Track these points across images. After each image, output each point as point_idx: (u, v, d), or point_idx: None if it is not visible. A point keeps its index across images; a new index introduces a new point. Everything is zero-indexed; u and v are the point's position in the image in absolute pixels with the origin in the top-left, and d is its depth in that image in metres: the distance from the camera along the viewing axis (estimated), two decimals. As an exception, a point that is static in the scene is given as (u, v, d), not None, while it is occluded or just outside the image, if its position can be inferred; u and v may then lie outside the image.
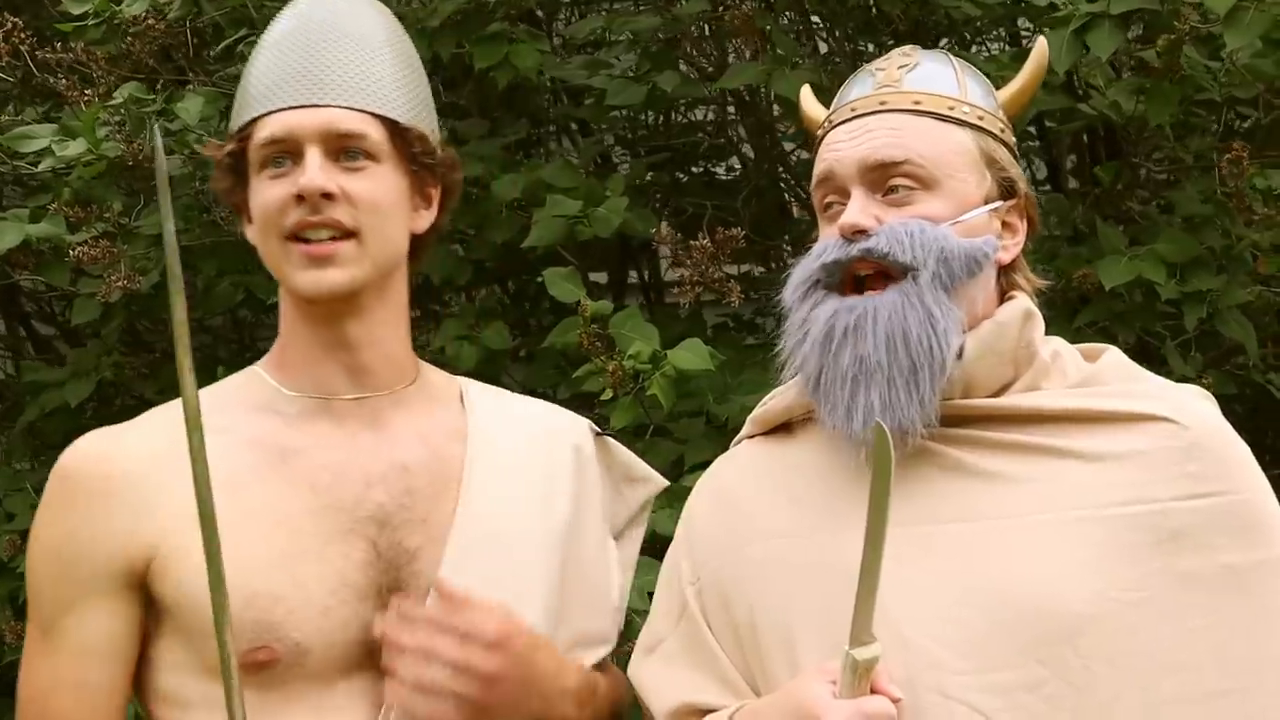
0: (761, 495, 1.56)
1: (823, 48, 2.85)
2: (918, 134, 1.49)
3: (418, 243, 1.60)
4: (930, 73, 1.54)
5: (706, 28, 2.84)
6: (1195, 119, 2.51)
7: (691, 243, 2.42)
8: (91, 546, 1.48)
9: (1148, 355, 2.51)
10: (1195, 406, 1.50)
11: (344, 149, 1.50)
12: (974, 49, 2.86)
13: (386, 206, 1.52)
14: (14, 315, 3.83)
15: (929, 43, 2.88)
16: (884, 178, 1.47)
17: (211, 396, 1.54)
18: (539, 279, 3.28)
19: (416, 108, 1.58)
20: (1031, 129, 3.00)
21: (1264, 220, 2.24)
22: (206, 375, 2.80)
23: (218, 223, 2.78)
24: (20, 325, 3.86)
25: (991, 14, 2.71)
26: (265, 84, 1.53)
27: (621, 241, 3.37)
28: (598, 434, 1.73)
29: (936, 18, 2.76)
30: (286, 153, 1.50)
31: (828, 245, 1.49)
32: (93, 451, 1.53)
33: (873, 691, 1.36)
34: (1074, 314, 2.47)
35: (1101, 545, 1.40)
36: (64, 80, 2.79)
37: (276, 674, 1.44)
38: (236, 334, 3.47)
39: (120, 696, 1.51)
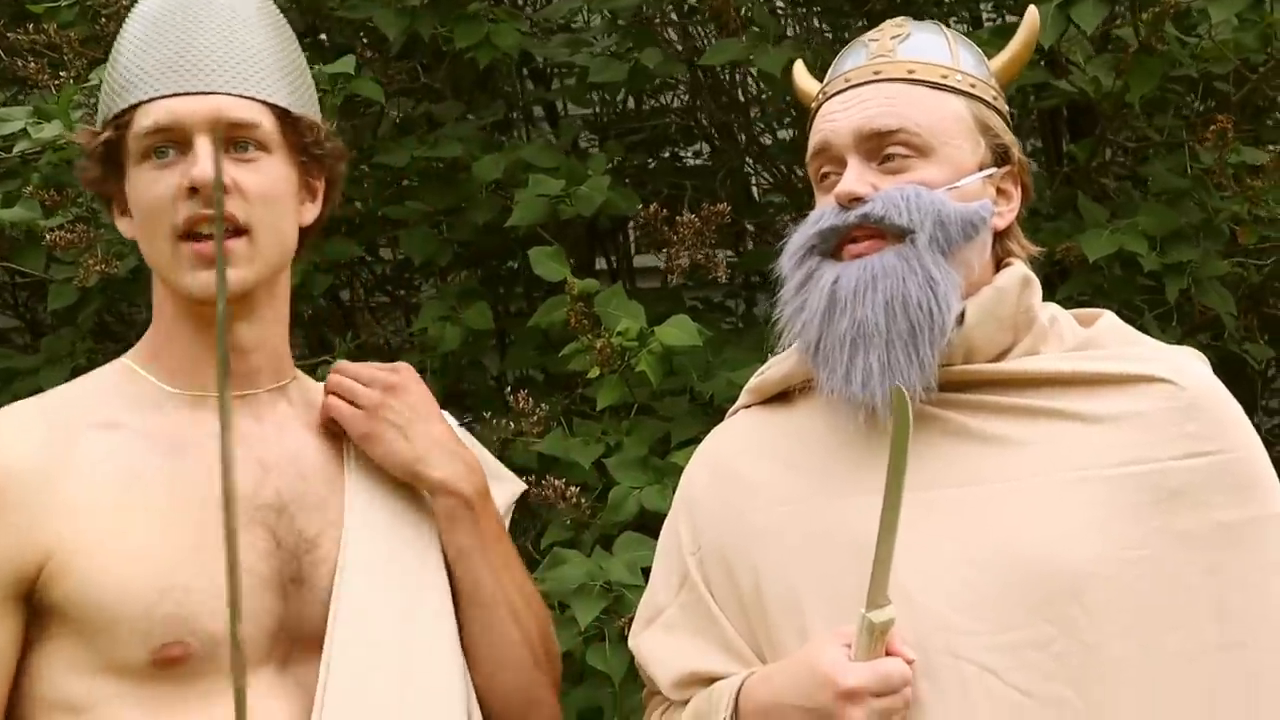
0: (762, 463, 1.57)
1: (793, 30, 2.86)
2: (912, 102, 1.50)
3: (302, 236, 1.53)
4: (923, 42, 1.55)
5: (684, 7, 2.85)
6: (1170, 95, 2.55)
7: (677, 219, 2.43)
8: None
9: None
10: (1192, 368, 1.52)
11: (234, 139, 1.43)
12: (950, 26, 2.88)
13: (278, 200, 1.46)
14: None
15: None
16: (879, 146, 1.49)
17: (85, 390, 1.48)
18: (510, 264, 3.31)
19: (304, 94, 1.51)
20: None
21: (1244, 191, 2.28)
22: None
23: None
24: (-19, 313, 3.80)
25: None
26: (144, 67, 1.43)
27: (590, 227, 3.39)
28: (460, 425, 1.69)
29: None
30: (172, 142, 1.41)
31: (824, 213, 1.50)
32: None
33: (887, 654, 1.38)
34: (1053, 288, 2.51)
35: (1105, 505, 1.42)
36: (32, 64, 2.75)
37: (188, 670, 1.37)
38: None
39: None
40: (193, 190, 1.39)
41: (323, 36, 3.00)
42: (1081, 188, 2.66)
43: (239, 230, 1.42)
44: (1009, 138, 1.56)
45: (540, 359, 2.90)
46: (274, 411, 1.51)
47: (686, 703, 1.54)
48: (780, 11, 2.87)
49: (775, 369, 1.62)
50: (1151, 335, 2.45)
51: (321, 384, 1.58)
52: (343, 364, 1.57)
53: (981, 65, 1.58)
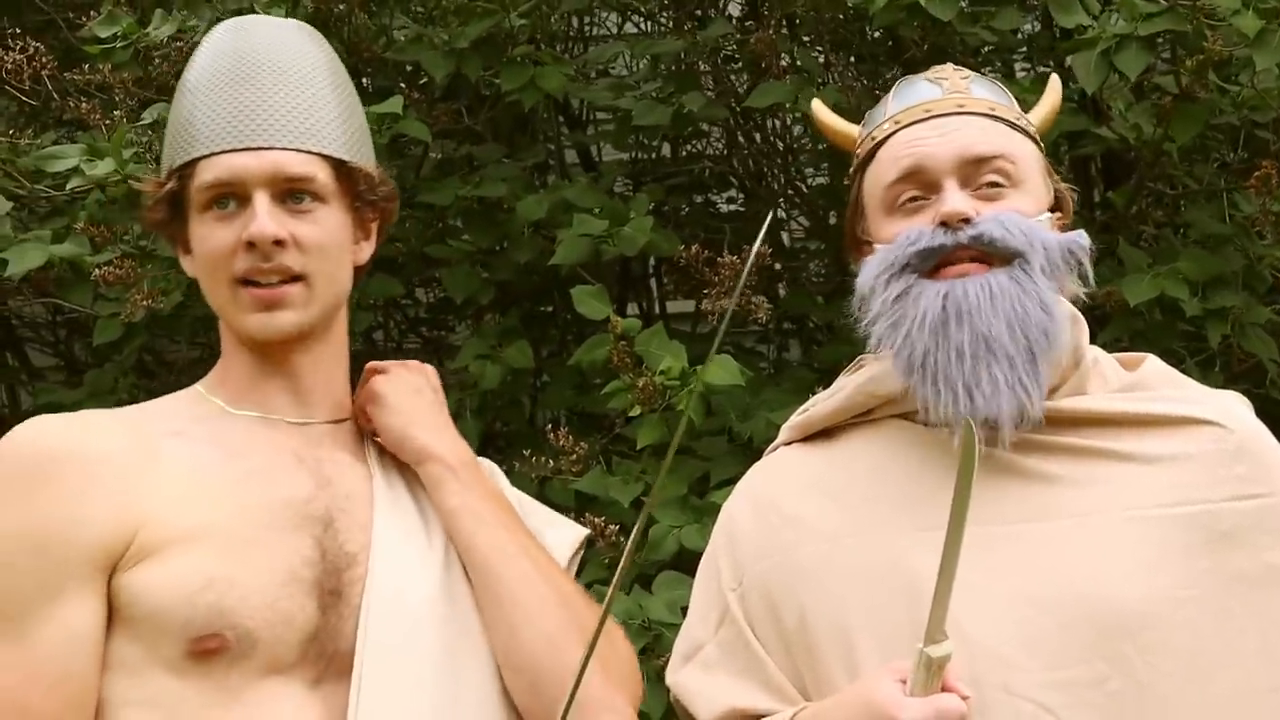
0: (807, 499, 1.57)
1: (833, 77, 2.89)
2: (1001, 135, 1.53)
3: (357, 271, 1.60)
4: (987, 88, 1.59)
5: (723, 54, 2.89)
6: (1211, 143, 2.56)
7: (718, 260, 2.45)
8: (76, 530, 1.40)
9: (1167, 373, 2.54)
10: (1237, 411, 1.54)
11: (291, 192, 1.50)
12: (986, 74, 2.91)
13: (333, 249, 1.53)
14: (7, 344, 3.80)
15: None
16: (978, 171, 1.50)
17: (157, 409, 1.55)
18: (547, 307, 3.34)
19: (358, 142, 1.57)
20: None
21: (1283, 240, 2.29)
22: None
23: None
24: (9, 353, 3.83)
25: (1005, 41, 2.77)
26: (204, 122, 1.50)
27: (623, 271, 3.42)
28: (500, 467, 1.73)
29: (951, 46, 2.81)
30: (232, 195, 1.49)
31: (921, 233, 1.48)
32: (62, 431, 1.46)
33: (943, 689, 1.37)
34: (1093, 333, 2.51)
35: (1157, 545, 1.43)
36: (85, 104, 2.80)
37: (221, 665, 1.39)
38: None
39: (96, 685, 1.41)
40: (250, 245, 1.47)
41: (364, 80, 3.04)
42: (1120, 234, 2.68)
43: (295, 277, 1.49)
44: (1063, 186, 1.60)
45: (576, 399, 2.92)
46: (330, 441, 1.56)
47: None
48: (823, 55, 2.90)
49: (822, 405, 1.63)
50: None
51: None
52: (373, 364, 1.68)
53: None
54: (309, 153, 1.50)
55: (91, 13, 2.91)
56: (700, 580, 1.64)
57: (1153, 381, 1.57)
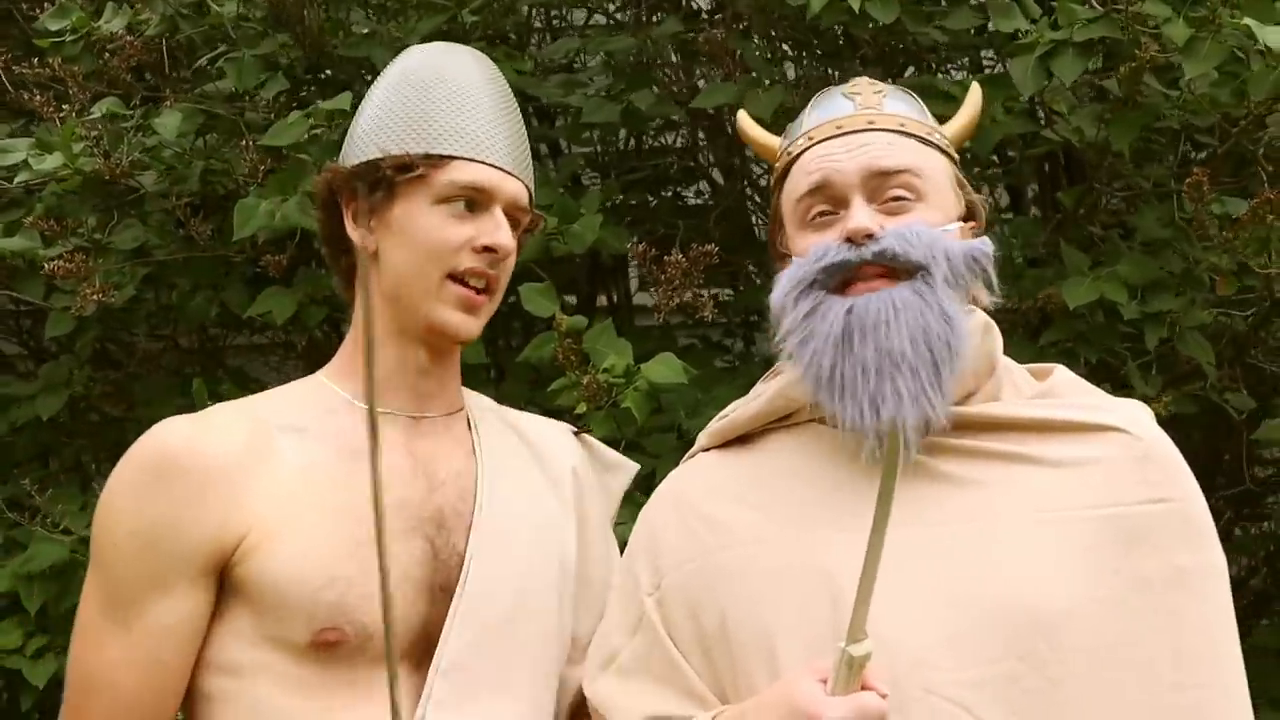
0: (726, 504, 1.59)
1: (790, 72, 2.90)
2: (909, 150, 1.56)
3: None
4: (901, 102, 1.62)
5: (678, 50, 2.89)
6: (1155, 146, 2.58)
7: (665, 258, 2.46)
8: (184, 531, 1.53)
9: (1109, 375, 2.56)
10: (1144, 419, 1.58)
11: (512, 218, 1.65)
12: (939, 75, 2.92)
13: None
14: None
15: (896, 68, 2.96)
16: (884, 186, 1.53)
17: (285, 399, 1.67)
18: (510, 299, 3.34)
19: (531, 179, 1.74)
20: (995, 156, 3.07)
21: (1221, 244, 2.30)
22: (180, 393, 2.81)
23: (193, 238, 2.79)
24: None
25: (958, 41, 2.78)
26: (465, 130, 1.63)
27: (592, 263, 3.42)
28: (575, 433, 1.84)
29: (905, 44, 2.82)
30: (474, 201, 1.62)
31: (828, 249, 1.51)
32: (184, 436, 1.58)
33: (863, 688, 1.39)
34: (1036, 334, 2.53)
35: (1072, 546, 1.46)
36: (38, 97, 2.80)
37: (341, 655, 1.53)
38: (208, 351, 3.47)
39: (186, 676, 1.57)
40: (486, 249, 1.61)
41: (327, 73, 3.04)
42: (1069, 235, 2.69)
43: (490, 290, 1.64)
44: (975, 196, 1.63)
45: (531, 394, 2.92)
46: (447, 434, 1.68)
47: None
48: (775, 54, 2.91)
49: (741, 411, 1.65)
50: (1133, 384, 2.50)
51: (485, 400, 1.80)
52: None
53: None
54: (526, 187, 1.68)
55: (46, 4, 2.91)
56: (617, 586, 1.66)
57: (1062, 390, 1.60)
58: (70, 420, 3.19)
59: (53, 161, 2.58)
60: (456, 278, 1.62)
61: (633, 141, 3.48)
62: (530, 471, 1.73)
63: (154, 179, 2.74)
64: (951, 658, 1.42)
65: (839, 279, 1.51)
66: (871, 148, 1.54)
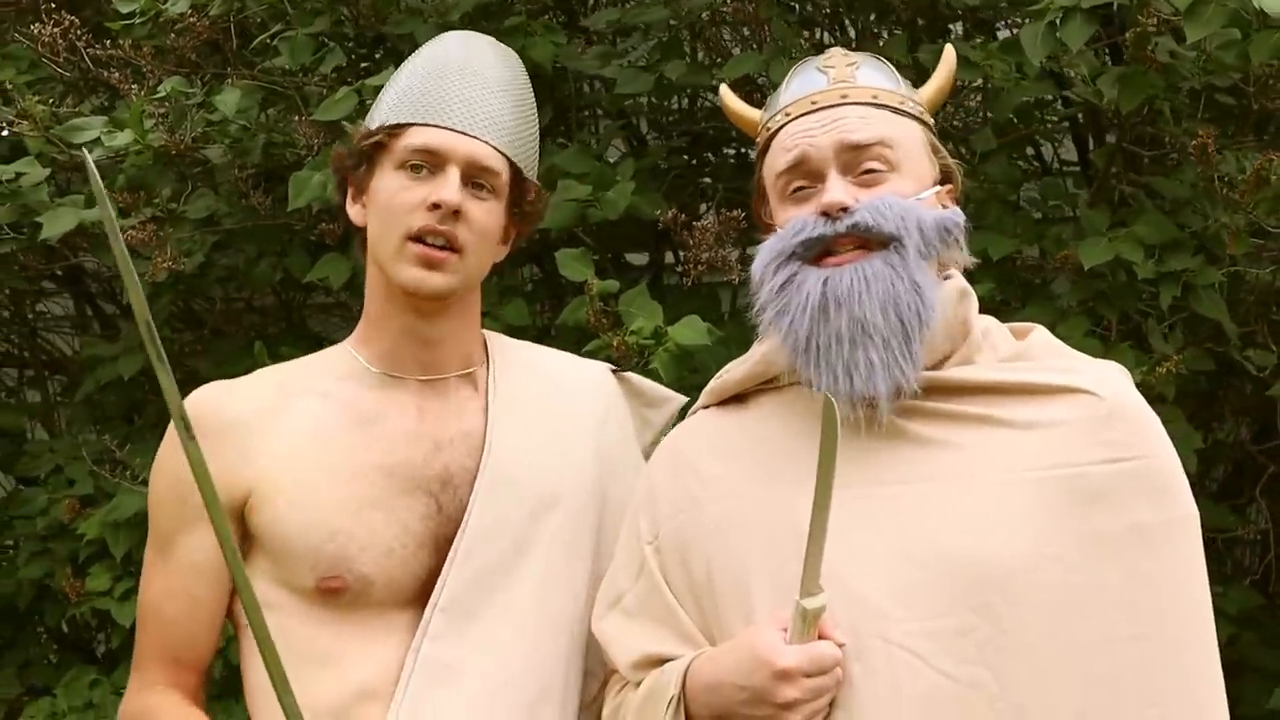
0: (718, 460, 1.68)
1: (826, 38, 2.95)
2: (883, 121, 1.62)
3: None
4: (874, 72, 1.68)
5: (711, 21, 2.94)
6: (1180, 107, 2.58)
7: (695, 223, 2.54)
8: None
9: (1130, 333, 2.59)
10: (1114, 380, 1.62)
11: (476, 178, 1.72)
12: (979, 38, 2.94)
13: (489, 236, 1.75)
14: (80, 294, 4.04)
15: (936, 33, 2.98)
16: (858, 159, 1.59)
17: (311, 364, 1.83)
18: (551, 265, 3.42)
19: (531, 159, 1.81)
20: (1013, 117, 3.04)
21: (1230, 204, 2.31)
22: (247, 353, 2.97)
23: (255, 208, 2.95)
24: (86, 303, 4.07)
25: (993, 3, 2.80)
26: (423, 98, 1.73)
27: (654, 225, 3.49)
28: (615, 371, 1.95)
29: (940, 7, 2.85)
30: (430, 163, 1.71)
31: (805, 223, 1.58)
32: (209, 399, 1.76)
33: (820, 638, 1.50)
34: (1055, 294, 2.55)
35: (1029, 505, 1.52)
36: (116, 74, 2.97)
37: (345, 600, 1.68)
38: (284, 313, 3.64)
39: (219, 610, 1.76)
40: (434, 205, 1.68)
41: (384, 48, 3.15)
42: (1101, 195, 2.71)
43: (455, 248, 1.70)
44: (950, 160, 1.68)
45: (576, 353, 3.02)
46: (458, 395, 1.79)
47: (640, 682, 1.65)
48: (810, 20, 2.95)
49: (733, 373, 1.75)
50: (1153, 342, 2.52)
51: (517, 347, 1.91)
52: None
53: (918, 95, 1.70)
54: (500, 151, 1.74)
55: (117, -14, 3.07)
56: (624, 533, 1.76)
57: (1037, 352, 1.66)
58: (152, 379, 3.37)
59: (124, 138, 2.74)
60: (414, 237, 1.70)
61: (687, 103, 3.55)
62: (550, 421, 1.82)
63: (220, 153, 2.90)
64: (908, 609, 1.50)
65: (815, 252, 1.58)
66: (844, 122, 1.61)
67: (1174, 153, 2.68)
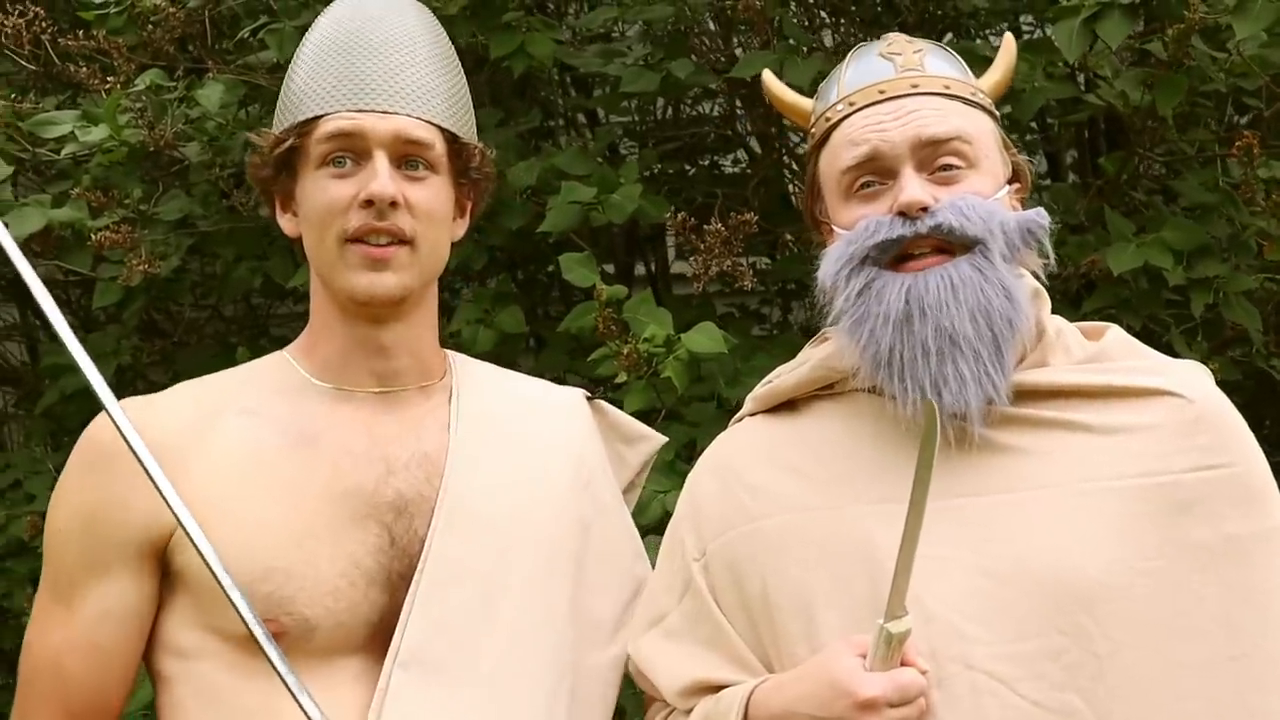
0: (771, 470, 1.58)
1: (828, 39, 2.88)
2: (957, 114, 1.51)
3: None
4: (943, 61, 1.57)
5: (716, 18, 2.87)
6: (1201, 109, 2.54)
7: (705, 227, 2.46)
8: (117, 516, 1.49)
9: (1152, 341, 2.54)
10: (1198, 381, 1.53)
11: (408, 157, 1.53)
12: (977, 41, 2.89)
13: (438, 217, 1.56)
14: (29, 303, 3.87)
15: (935, 35, 2.93)
16: (934, 155, 1.49)
17: (241, 377, 1.60)
18: (549, 268, 3.35)
19: (466, 120, 1.61)
20: (1034, 123, 3.03)
21: (1269, 208, 2.27)
22: (224, 361, 2.85)
23: (235, 209, 2.81)
24: (34, 313, 3.90)
25: (996, 6, 2.74)
26: (327, 85, 1.53)
27: (629, 233, 3.42)
28: (589, 399, 1.76)
29: (943, 10, 2.79)
30: (350, 152, 1.52)
31: (879, 223, 1.47)
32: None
33: (902, 664, 1.39)
34: (1078, 302, 2.51)
35: (1117, 516, 1.43)
36: (84, 69, 2.83)
37: (283, 645, 1.43)
38: (252, 320, 3.51)
39: (132, 661, 1.53)
40: (367, 203, 1.49)
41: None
42: (1112, 201, 2.66)
43: (403, 240, 1.52)
44: (1020, 157, 1.59)
45: (571, 364, 2.93)
46: (415, 410, 1.58)
47: (689, 711, 1.54)
48: (812, 22, 2.89)
49: (786, 377, 1.64)
50: (1178, 350, 2.47)
51: (483, 368, 1.70)
52: None
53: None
54: (429, 122, 1.53)
55: (90, -24, 2.93)
56: (665, 549, 1.66)
57: (1115, 352, 1.57)
58: (117, 390, 3.22)
59: (99, 133, 2.60)
60: (353, 239, 1.51)
61: (670, 110, 3.48)
62: (522, 446, 1.63)
63: (197, 150, 2.76)
64: (991, 631, 1.41)
65: (892, 254, 1.47)
66: (919, 114, 1.49)
67: (1186, 158, 2.63)
